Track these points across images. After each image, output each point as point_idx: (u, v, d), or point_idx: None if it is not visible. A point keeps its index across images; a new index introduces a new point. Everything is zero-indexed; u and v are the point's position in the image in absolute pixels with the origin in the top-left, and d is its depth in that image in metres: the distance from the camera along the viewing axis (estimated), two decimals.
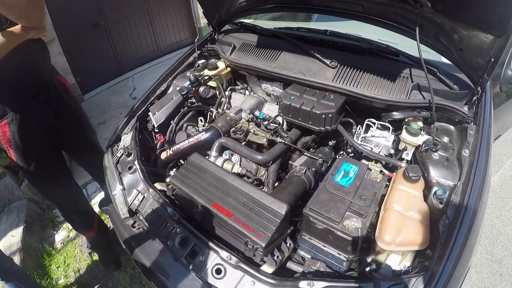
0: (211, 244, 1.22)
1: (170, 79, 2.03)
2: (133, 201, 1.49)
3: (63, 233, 2.78)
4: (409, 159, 1.44)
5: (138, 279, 2.34)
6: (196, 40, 2.17)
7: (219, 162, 1.57)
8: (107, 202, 1.70)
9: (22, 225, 2.56)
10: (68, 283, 2.39)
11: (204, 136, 1.66)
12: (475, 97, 1.42)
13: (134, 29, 5.05)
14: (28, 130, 1.65)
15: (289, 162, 1.65)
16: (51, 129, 1.77)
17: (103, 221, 2.46)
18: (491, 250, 2.53)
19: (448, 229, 1.07)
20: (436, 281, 0.95)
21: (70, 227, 2.78)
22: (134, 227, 1.45)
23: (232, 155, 1.63)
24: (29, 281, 1.95)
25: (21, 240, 2.43)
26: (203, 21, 5.76)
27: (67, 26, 3.89)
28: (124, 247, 1.52)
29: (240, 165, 1.60)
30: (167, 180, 1.66)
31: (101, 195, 3.00)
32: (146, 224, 1.41)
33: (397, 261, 1.14)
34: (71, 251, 2.61)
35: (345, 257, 1.24)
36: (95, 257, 2.51)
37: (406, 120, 1.48)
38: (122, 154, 1.65)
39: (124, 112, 4.13)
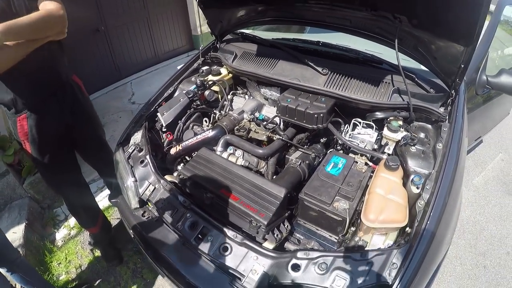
0: (218, 225, 1.36)
1: (177, 83, 2.18)
2: (144, 191, 1.62)
3: (64, 231, 2.84)
4: (390, 152, 1.63)
5: (139, 274, 2.42)
6: (200, 48, 2.33)
7: (224, 156, 1.73)
8: (116, 194, 1.82)
9: (24, 222, 2.60)
10: (70, 278, 2.45)
11: (211, 133, 1.83)
12: (449, 99, 1.60)
13: (133, 36, 5.15)
14: (45, 125, 1.76)
15: (286, 156, 1.83)
16: (66, 126, 1.87)
17: (106, 218, 2.57)
18: (475, 244, 2.70)
19: (424, 208, 1.24)
20: (413, 251, 1.11)
21: (71, 225, 2.85)
22: (144, 216, 1.58)
23: (235, 150, 1.79)
24: (34, 274, 2.00)
25: (23, 237, 2.48)
26: (200, 29, 5.91)
27: (68, 30, 3.98)
28: (133, 236, 1.66)
29: (243, 158, 1.76)
30: (176, 173, 1.82)
31: (102, 194, 3.09)
32: (157, 211, 1.54)
33: (381, 241, 1.31)
34: (72, 248, 2.67)
35: (336, 238, 1.41)
36: (97, 253, 2.59)
37: (388, 119, 1.66)
38: (134, 150, 1.78)
39: (123, 116, 4.24)
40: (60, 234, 2.82)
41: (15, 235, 2.51)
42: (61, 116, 1.83)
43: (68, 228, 2.86)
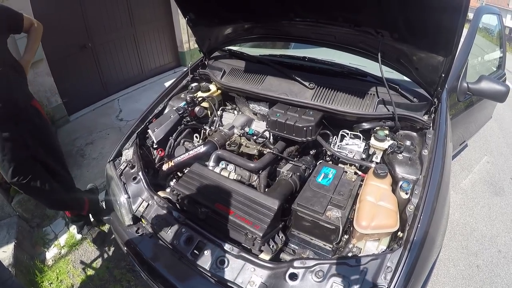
0: (214, 239, 1.38)
1: (166, 100, 2.21)
2: (138, 208, 1.62)
3: (54, 250, 2.78)
4: (378, 161, 1.69)
5: None
6: (189, 65, 2.38)
7: (216, 170, 1.75)
8: (108, 212, 1.82)
9: (13, 241, 2.55)
10: None
11: (202, 149, 1.86)
12: (432, 107, 1.68)
13: (120, 52, 5.15)
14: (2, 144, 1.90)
15: (277, 169, 1.86)
16: (26, 145, 2.03)
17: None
18: (467, 245, 2.77)
19: (414, 212, 1.29)
20: (407, 254, 1.14)
21: (62, 244, 2.80)
22: (138, 233, 1.58)
23: (227, 164, 1.83)
24: None
25: (13, 256, 2.43)
26: (189, 44, 5.96)
27: (55, 46, 3.92)
28: (126, 253, 1.65)
29: (235, 172, 1.79)
30: (168, 189, 1.83)
31: None
32: (152, 228, 1.55)
33: (374, 247, 1.35)
34: (63, 267, 2.61)
35: (330, 247, 1.44)
36: (89, 271, 2.55)
37: (374, 129, 1.72)
38: (126, 167, 1.79)
39: (111, 133, 4.21)
40: (50, 253, 2.77)
41: (5, 254, 2.46)
42: (18, 137, 1.96)
43: (58, 247, 2.80)
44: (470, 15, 2.53)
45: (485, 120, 3.44)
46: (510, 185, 3.60)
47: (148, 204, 1.63)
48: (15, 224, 2.77)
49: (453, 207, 3.18)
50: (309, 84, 1.91)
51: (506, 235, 2.92)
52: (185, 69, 2.43)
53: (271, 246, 1.37)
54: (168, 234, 1.49)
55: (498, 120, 5.03)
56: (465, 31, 2.36)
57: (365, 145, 1.78)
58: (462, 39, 2.29)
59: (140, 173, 1.73)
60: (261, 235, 1.30)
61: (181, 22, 5.79)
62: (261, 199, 1.44)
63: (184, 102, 2.11)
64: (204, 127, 2.15)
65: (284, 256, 1.46)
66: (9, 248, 2.50)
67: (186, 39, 5.95)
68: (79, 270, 2.60)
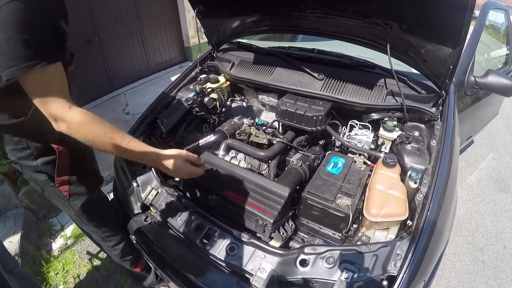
0: (224, 226, 1.39)
1: (175, 91, 2.21)
2: (147, 196, 1.63)
3: (61, 241, 2.80)
4: (387, 151, 1.70)
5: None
6: (198, 57, 2.38)
7: (226, 159, 1.76)
8: (116, 201, 1.84)
9: (20, 232, 2.56)
10: None
11: (212, 138, 1.87)
12: (440, 99, 1.69)
13: (126, 47, 5.18)
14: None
15: (287, 158, 1.87)
16: None
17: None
18: (472, 240, 2.79)
19: (423, 201, 1.30)
20: (416, 242, 1.15)
21: (68, 234, 2.82)
22: (147, 221, 1.59)
23: (237, 153, 1.84)
24: (32, 283, 1.95)
25: (19, 247, 2.44)
26: (192, 41, 5.97)
27: None
28: (135, 242, 1.65)
29: (244, 161, 1.79)
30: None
31: None
32: (161, 216, 1.56)
33: (383, 235, 1.36)
34: (69, 257, 2.63)
35: (339, 236, 1.45)
36: (95, 262, 2.57)
37: (383, 119, 1.73)
38: None
39: (118, 126, 4.16)
40: (57, 244, 2.79)
41: (11, 244, 2.47)
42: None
43: (64, 238, 2.82)
44: (476, 13, 2.53)
45: (492, 116, 3.44)
46: None
47: (158, 192, 1.63)
48: (22, 215, 2.78)
49: (459, 202, 3.19)
50: (318, 75, 1.92)
51: None
52: (190, 64, 2.43)
53: (281, 233, 1.38)
54: (177, 222, 1.49)
55: (504, 117, 5.03)
56: (471, 27, 2.36)
57: (374, 136, 1.79)
58: (469, 33, 2.32)
59: None
60: (272, 221, 1.31)
61: (187, 17, 5.79)
62: (271, 186, 1.45)
63: (193, 93, 2.12)
64: (213, 117, 2.16)
65: (294, 245, 1.47)
66: (16, 239, 2.52)
67: (193, 34, 5.97)
68: (85, 260, 2.62)
